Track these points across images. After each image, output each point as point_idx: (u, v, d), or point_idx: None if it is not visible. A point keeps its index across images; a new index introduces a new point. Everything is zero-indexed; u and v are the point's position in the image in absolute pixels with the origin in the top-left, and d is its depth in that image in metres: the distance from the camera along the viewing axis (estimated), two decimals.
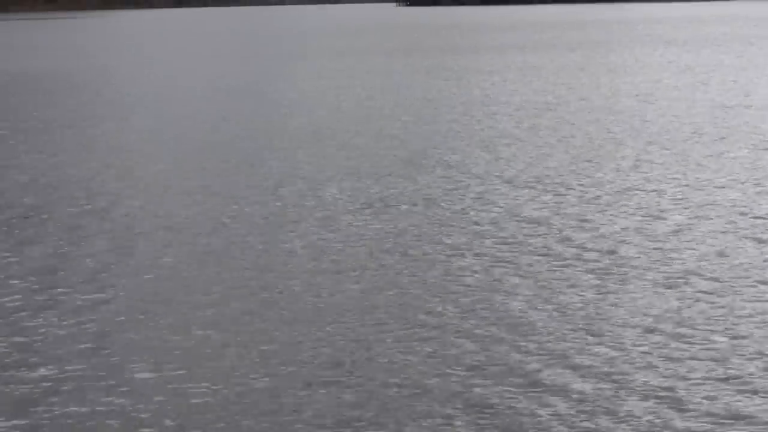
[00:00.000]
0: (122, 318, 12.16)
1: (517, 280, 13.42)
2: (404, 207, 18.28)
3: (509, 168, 21.92)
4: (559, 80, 43.42)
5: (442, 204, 18.42)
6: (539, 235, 15.82)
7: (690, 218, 16.80)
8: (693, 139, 25.72)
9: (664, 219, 16.79)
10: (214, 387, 9.89)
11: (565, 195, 18.91)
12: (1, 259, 15.24)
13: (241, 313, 12.24)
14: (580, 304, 12.27)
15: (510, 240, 15.61)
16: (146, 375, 10.23)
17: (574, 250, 14.87)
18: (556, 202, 18.29)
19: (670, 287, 12.89)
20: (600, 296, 12.60)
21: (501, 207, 18.03)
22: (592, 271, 13.70)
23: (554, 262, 14.20)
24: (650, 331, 11.25)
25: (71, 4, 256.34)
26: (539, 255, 14.63)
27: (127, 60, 66.18)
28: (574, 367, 10.21)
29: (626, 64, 51.62)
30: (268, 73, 51.04)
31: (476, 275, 13.67)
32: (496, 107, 33.66)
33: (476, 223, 16.81)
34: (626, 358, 10.46)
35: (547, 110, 32.45)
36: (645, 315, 11.81)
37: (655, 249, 14.82)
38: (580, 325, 11.49)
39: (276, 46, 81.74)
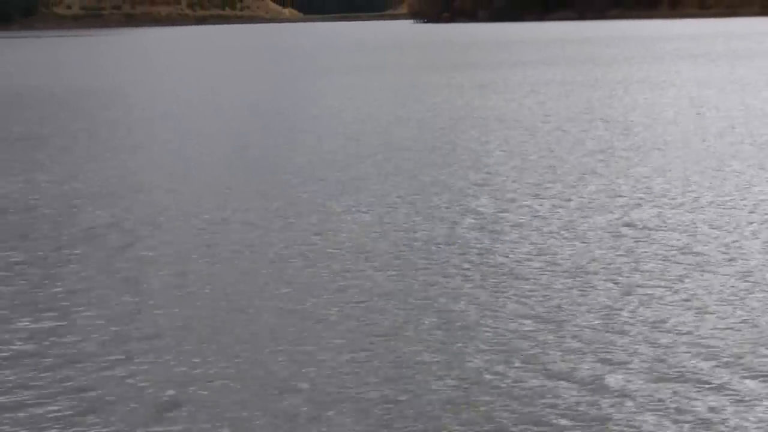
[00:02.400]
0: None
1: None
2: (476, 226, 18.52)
3: (589, 179, 22.19)
4: (602, 95, 43.40)
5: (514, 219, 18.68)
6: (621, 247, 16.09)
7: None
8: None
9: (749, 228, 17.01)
10: None
11: (641, 206, 19.17)
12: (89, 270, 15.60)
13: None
14: None
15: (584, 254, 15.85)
16: None
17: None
18: (625, 210, 18.52)
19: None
20: None
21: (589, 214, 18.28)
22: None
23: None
24: None
25: (95, 21, 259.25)
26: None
27: (150, 78, 66.35)
28: None
29: (660, 79, 51.61)
30: (292, 91, 50.66)
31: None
32: (546, 122, 33.80)
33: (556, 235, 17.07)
34: None
35: (602, 123, 32.67)
36: None
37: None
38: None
39: (295, 63, 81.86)
